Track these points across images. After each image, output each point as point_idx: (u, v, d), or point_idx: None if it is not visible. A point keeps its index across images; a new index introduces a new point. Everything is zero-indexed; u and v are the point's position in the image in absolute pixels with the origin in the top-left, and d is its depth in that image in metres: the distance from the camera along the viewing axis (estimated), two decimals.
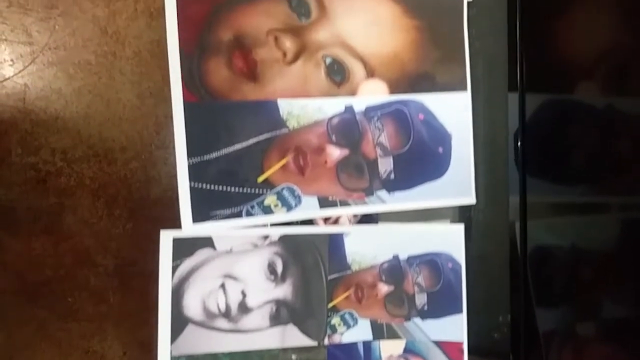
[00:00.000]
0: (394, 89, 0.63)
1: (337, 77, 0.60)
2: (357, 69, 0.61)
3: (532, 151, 0.66)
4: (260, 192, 0.58)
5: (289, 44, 0.58)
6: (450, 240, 0.62)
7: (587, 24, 0.65)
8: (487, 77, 0.66)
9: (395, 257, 0.61)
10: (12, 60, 1.20)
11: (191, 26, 0.55)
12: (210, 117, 0.56)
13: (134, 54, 1.27)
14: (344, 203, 0.61)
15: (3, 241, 1.15)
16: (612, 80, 0.65)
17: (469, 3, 0.64)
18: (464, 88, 0.65)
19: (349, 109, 0.61)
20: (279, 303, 0.56)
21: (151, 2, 1.25)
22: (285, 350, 0.56)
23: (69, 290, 1.22)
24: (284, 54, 0.58)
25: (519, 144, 0.66)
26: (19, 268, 1.17)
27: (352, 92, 0.62)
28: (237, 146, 0.57)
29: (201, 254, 0.54)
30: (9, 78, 1.20)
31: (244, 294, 0.55)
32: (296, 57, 0.59)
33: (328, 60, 0.60)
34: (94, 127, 1.25)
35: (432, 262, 0.62)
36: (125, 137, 1.27)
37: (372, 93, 0.62)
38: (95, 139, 1.25)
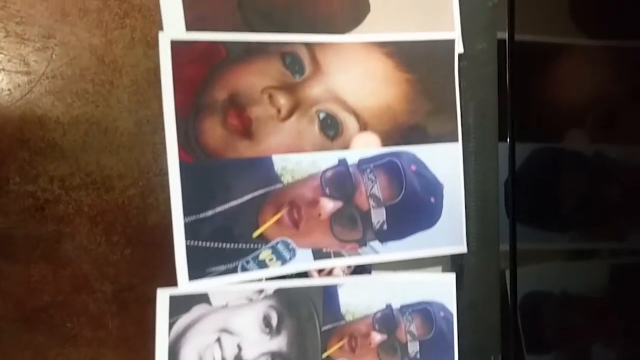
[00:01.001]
0: (386, 141, 0.64)
1: (331, 131, 0.61)
2: (350, 123, 0.62)
3: (523, 199, 0.67)
4: (256, 247, 0.59)
5: (283, 101, 0.59)
6: (442, 290, 0.63)
7: (575, 75, 0.66)
8: (478, 128, 0.67)
9: (389, 307, 0.62)
10: (9, 90, 1.20)
11: (187, 88, 0.56)
12: (206, 176, 0.56)
13: (132, 82, 1.27)
14: (338, 255, 0.62)
15: (2, 269, 1.15)
16: (599, 129, 0.66)
17: (460, 55, 0.65)
18: (456, 139, 0.66)
19: (343, 162, 0.62)
20: (274, 355, 0.57)
21: (148, 31, 1.26)
22: None
23: (68, 316, 1.23)
24: (279, 111, 0.59)
25: (509, 192, 0.67)
26: (17, 295, 1.18)
27: (346, 146, 0.62)
28: (233, 203, 0.58)
29: (197, 310, 0.55)
30: (7, 107, 1.21)
31: (239, 348, 0.56)
32: (290, 114, 0.60)
33: (322, 116, 0.61)
34: (92, 155, 1.26)
35: (425, 311, 0.63)
36: (123, 164, 1.28)
37: (365, 146, 0.63)
38: (93, 167, 1.25)
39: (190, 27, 0.55)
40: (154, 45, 1.26)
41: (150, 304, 1.26)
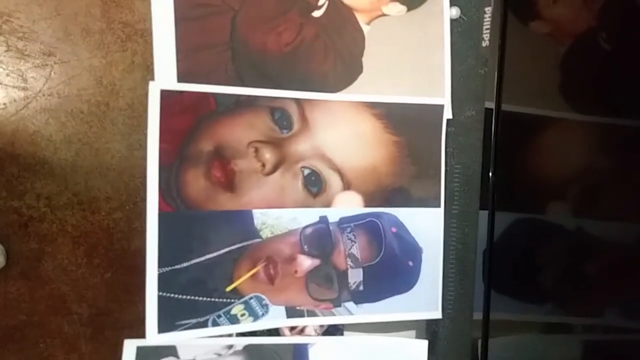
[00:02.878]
0: (369, 201, 0.63)
1: (314, 188, 0.61)
2: (334, 181, 0.62)
3: (500, 268, 0.67)
4: (228, 301, 0.58)
5: (268, 155, 0.59)
6: (414, 356, 0.62)
7: (559, 147, 0.66)
8: (461, 194, 0.66)
9: None
10: (4, 104, 1.20)
11: (173, 138, 0.56)
12: (184, 226, 0.56)
13: (127, 105, 1.27)
14: (311, 313, 0.61)
15: None
16: (581, 204, 0.65)
17: (448, 120, 0.65)
18: (438, 204, 0.65)
19: (323, 219, 0.62)
20: None
21: (148, 56, 1.26)
22: None
23: (41, 337, 1.21)
24: (263, 165, 0.59)
25: (486, 261, 0.66)
26: None
27: (328, 204, 0.62)
28: (209, 256, 0.57)
29: None
30: (0, 121, 1.20)
31: None
32: (275, 168, 0.59)
33: (306, 172, 0.60)
34: (81, 175, 1.25)
35: None
36: (111, 187, 1.27)
37: (347, 205, 0.63)
38: (81, 187, 1.25)
39: (181, 78, 0.55)
40: (153, 70, 1.27)
41: (126, 330, 1.25)
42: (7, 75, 1.15)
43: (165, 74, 0.53)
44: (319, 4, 0.59)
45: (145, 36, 1.17)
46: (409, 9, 0.62)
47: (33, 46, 1.13)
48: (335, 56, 0.60)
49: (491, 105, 0.64)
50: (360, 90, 0.61)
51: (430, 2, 0.63)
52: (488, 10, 0.62)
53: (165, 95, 0.53)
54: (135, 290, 1.20)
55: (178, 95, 0.54)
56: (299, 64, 0.59)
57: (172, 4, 0.53)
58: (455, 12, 0.63)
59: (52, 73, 1.14)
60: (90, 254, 1.18)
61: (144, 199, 1.21)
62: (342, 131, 0.61)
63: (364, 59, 0.62)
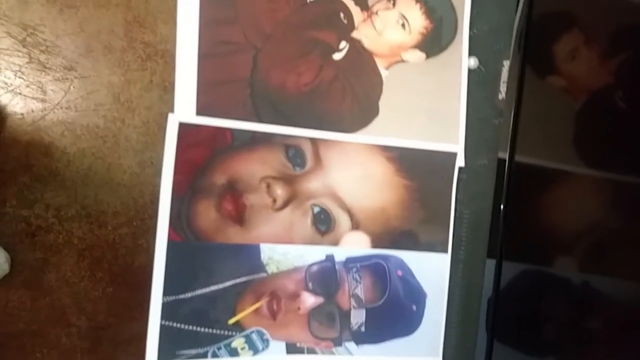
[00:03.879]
0: (376, 242, 0.63)
1: (323, 226, 0.61)
2: (343, 220, 0.62)
3: (504, 318, 0.67)
4: (229, 334, 0.58)
5: (280, 191, 0.59)
6: None
7: (571, 202, 0.66)
8: (469, 241, 0.66)
9: None
10: (22, 114, 1.21)
11: (187, 169, 0.56)
12: (192, 257, 0.56)
13: (142, 123, 1.28)
14: (311, 350, 0.61)
15: None
16: (589, 259, 0.65)
17: (460, 168, 0.65)
18: (445, 250, 0.65)
19: (330, 258, 0.62)
20: None
21: (167, 76, 1.27)
22: None
23: (39, 347, 1.20)
24: (274, 201, 0.59)
25: (491, 310, 0.66)
26: None
27: (335, 242, 0.62)
28: (213, 287, 0.57)
29: None
30: (16, 130, 1.22)
31: None
32: (285, 204, 0.60)
33: (316, 210, 0.61)
34: (91, 189, 1.25)
35: None
36: (120, 202, 1.27)
37: (355, 245, 0.63)
38: (90, 200, 1.25)
39: (200, 111, 0.55)
40: (171, 89, 1.28)
41: (124, 345, 1.24)
42: (27, 86, 1.17)
43: (184, 107, 0.53)
44: (340, 47, 0.60)
45: (165, 57, 1.18)
46: (428, 57, 0.63)
47: (55, 60, 1.15)
48: (353, 98, 0.61)
49: (504, 155, 0.64)
50: (375, 133, 0.62)
51: (449, 51, 0.63)
52: (506, 63, 0.63)
53: (183, 127, 0.53)
54: (136, 306, 1.20)
55: (196, 129, 0.55)
56: (316, 103, 0.59)
57: (196, 40, 0.54)
58: (473, 62, 0.64)
59: (72, 87, 1.16)
60: (94, 268, 1.18)
61: (151, 217, 1.22)
62: (354, 172, 0.61)
63: (380, 103, 0.62)
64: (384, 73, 0.61)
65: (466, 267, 0.63)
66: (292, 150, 0.58)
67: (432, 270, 0.63)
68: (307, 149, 0.58)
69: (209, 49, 0.54)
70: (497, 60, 0.63)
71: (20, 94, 1.21)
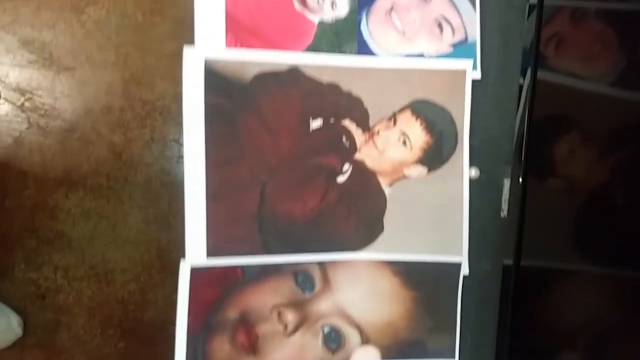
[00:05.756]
0: (386, 354, 0.64)
1: (333, 344, 0.62)
2: (352, 337, 0.63)
3: None
4: None
5: (290, 317, 0.60)
6: None
7: (577, 301, 0.67)
8: (475, 346, 0.68)
9: None
10: (24, 179, 1.21)
11: (201, 309, 0.57)
12: None
13: (145, 180, 1.28)
14: None
15: None
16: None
17: (464, 276, 0.66)
18: (452, 356, 0.67)
19: None
20: None
21: (167, 132, 1.27)
22: None
23: None
24: (285, 327, 0.60)
25: None
26: None
27: (346, 359, 0.64)
28: None
29: None
30: (19, 196, 1.22)
31: None
32: (296, 329, 0.61)
33: (326, 330, 0.62)
34: (98, 248, 1.26)
35: None
36: (127, 259, 1.28)
37: (365, 359, 0.64)
38: (97, 259, 1.26)
39: (210, 253, 0.56)
40: (171, 146, 1.28)
41: None
42: (28, 150, 1.17)
43: (195, 250, 0.54)
44: (344, 169, 0.60)
45: (164, 114, 1.18)
46: (429, 170, 0.63)
47: (54, 123, 1.14)
48: (358, 218, 0.62)
49: (509, 261, 0.65)
50: (381, 249, 0.62)
51: (450, 163, 0.64)
52: (507, 181, 0.63)
53: (195, 271, 0.54)
54: None
55: (207, 271, 0.55)
56: (322, 226, 0.60)
57: (204, 182, 0.55)
58: (474, 172, 0.64)
59: (73, 149, 1.16)
60: (105, 325, 1.20)
61: (158, 272, 1.22)
62: (362, 288, 0.62)
63: (385, 219, 0.63)
64: (387, 190, 0.61)
65: None
66: (301, 276, 0.59)
67: None
68: (316, 273, 0.59)
69: (217, 190, 0.54)
70: (498, 167, 0.64)
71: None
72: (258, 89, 0.56)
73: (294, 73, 0.57)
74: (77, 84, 1.14)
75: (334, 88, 0.59)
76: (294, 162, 0.57)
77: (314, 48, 0.58)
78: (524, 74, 0.64)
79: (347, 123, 0.59)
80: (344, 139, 0.59)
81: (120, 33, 1.17)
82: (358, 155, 0.59)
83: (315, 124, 0.59)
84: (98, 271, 1.21)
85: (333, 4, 0.58)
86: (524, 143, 0.63)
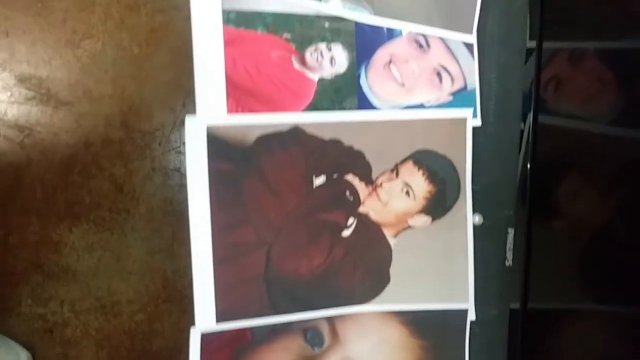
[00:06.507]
0: None
1: None
2: None
3: None
4: None
5: None
6: None
7: (585, 342, 0.67)
8: None
9: None
10: (28, 215, 1.21)
11: None
12: None
13: (147, 211, 1.28)
14: None
15: None
16: None
17: (471, 322, 0.67)
18: None
19: None
20: None
21: (167, 163, 1.27)
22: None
23: None
24: None
25: None
26: None
27: None
28: None
29: None
30: (23, 232, 1.22)
31: None
32: None
33: None
34: (103, 281, 1.26)
35: None
36: (133, 290, 1.28)
37: None
38: (103, 291, 1.26)
39: (220, 318, 0.56)
40: (173, 175, 1.28)
41: None
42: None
43: (205, 316, 0.54)
44: (349, 224, 0.60)
45: (164, 144, 1.18)
46: (434, 220, 0.63)
47: (55, 158, 1.14)
48: (364, 271, 0.62)
49: (516, 305, 0.65)
50: (388, 300, 0.62)
51: (454, 211, 0.64)
52: (511, 230, 0.63)
53: (206, 337, 0.54)
54: None
55: (218, 336, 0.56)
56: (329, 282, 0.60)
57: (210, 247, 0.55)
58: (478, 219, 0.64)
59: (74, 183, 1.15)
60: (113, 356, 1.20)
61: (165, 301, 1.23)
62: (371, 340, 0.62)
63: (391, 270, 0.63)
64: (392, 242, 0.61)
65: None
66: (310, 333, 0.59)
67: None
68: (325, 329, 0.59)
69: (224, 254, 0.55)
70: (502, 212, 0.64)
71: None
72: (261, 152, 0.56)
73: (296, 132, 0.57)
74: (76, 119, 1.13)
75: (336, 144, 0.59)
76: (299, 220, 0.58)
77: (315, 105, 0.58)
78: (524, 119, 0.64)
79: (351, 177, 0.59)
80: (347, 194, 0.59)
81: (117, 66, 1.16)
82: (362, 209, 0.59)
83: (319, 181, 0.59)
84: (104, 303, 1.22)
85: (332, 61, 0.58)
86: (527, 188, 0.63)
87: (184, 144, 1.22)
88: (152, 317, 1.24)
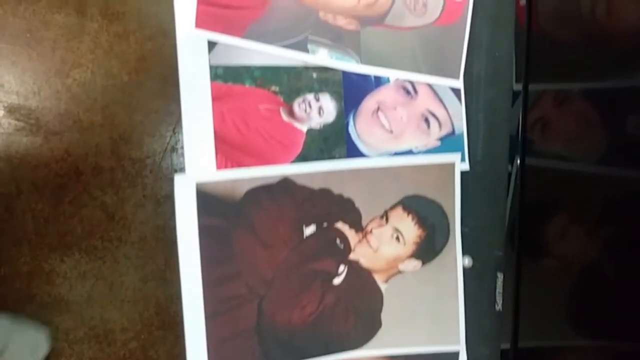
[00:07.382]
0: None
1: None
2: None
3: None
4: None
5: None
6: None
7: None
8: None
9: None
10: (18, 246, 1.20)
11: None
12: None
13: (139, 238, 1.28)
14: None
15: None
16: None
17: None
18: None
19: None
20: None
21: (158, 190, 1.27)
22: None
23: None
24: None
25: None
26: None
27: None
28: None
29: None
30: (15, 263, 1.21)
31: None
32: None
33: None
34: (96, 309, 1.26)
35: None
36: (126, 318, 1.28)
37: None
38: (97, 320, 1.26)
39: None
40: (164, 202, 1.28)
41: None
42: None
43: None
44: (339, 271, 0.61)
45: (154, 171, 1.18)
46: (424, 263, 0.64)
47: (45, 188, 1.14)
48: (356, 317, 0.62)
49: (506, 345, 0.66)
50: (379, 345, 0.63)
51: (444, 254, 0.64)
52: (500, 275, 0.64)
53: None
54: None
55: None
56: (321, 329, 0.60)
57: (201, 302, 0.55)
58: (467, 261, 0.65)
59: (65, 212, 1.15)
60: None
61: (158, 328, 1.22)
62: None
63: (382, 315, 0.63)
64: (383, 287, 0.62)
65: None
66: None
67: None
68: None
69: (215, 309, 0.55)
70: (491, 254, 0.64)
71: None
72: (250, 205, 0.56)
73: (285, 184, 0.57)
74: (66, 148, 1.13)
75: (325, 193, 0.59)
76: (290, 271, 0.58)
77: (304, 156, 0.58)
78: (511, 161, 0.65)
79: (340, 225, 0.59)
80: (338, 242, 0.59)
81: (106, 94, 1.16)
82: (353, 256, 0.60)
83: (309, 230, 0.59)
84: (98, 332, 1.21)
85: (320, 110, 0.58)
86: (515, 229, 0.64)
87: (175, 170, 1.23)
88: (145, 344, 1.24)
